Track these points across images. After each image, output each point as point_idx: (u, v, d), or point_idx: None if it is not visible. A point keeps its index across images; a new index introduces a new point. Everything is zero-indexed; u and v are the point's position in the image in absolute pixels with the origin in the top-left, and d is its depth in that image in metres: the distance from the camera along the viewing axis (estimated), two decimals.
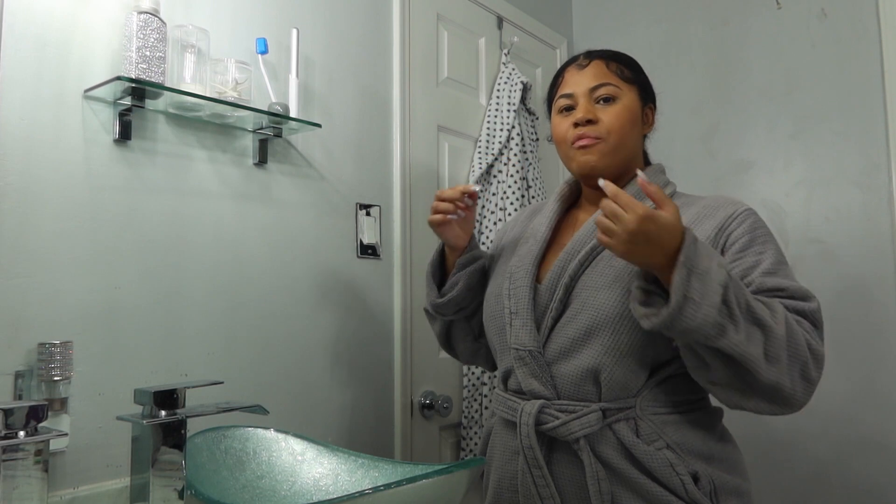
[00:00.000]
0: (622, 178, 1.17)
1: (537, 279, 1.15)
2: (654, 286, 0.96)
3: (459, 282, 1.25)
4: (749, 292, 0.96)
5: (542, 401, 1.08)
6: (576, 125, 1.14)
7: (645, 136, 1.24)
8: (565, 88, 1.19)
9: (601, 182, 0.96)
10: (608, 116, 1.13)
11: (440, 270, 1.32)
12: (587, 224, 1.14)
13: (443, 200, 1.21)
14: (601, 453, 1.05)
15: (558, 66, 2.35)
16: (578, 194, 1.27)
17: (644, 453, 1.03)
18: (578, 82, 1.17)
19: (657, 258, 0.92)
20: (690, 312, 0.88)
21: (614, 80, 1.16)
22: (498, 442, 1.18)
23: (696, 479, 1.03)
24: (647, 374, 1.07)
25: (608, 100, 1.15)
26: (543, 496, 1.06)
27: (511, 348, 1.13)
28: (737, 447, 1.14)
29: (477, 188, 1.22)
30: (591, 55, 1.19)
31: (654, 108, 1.23)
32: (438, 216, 1.21)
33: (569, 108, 1.17)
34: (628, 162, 1.17)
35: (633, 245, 0.91)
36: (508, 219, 1.38)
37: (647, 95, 1.20)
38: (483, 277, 1.29)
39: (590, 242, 1.11)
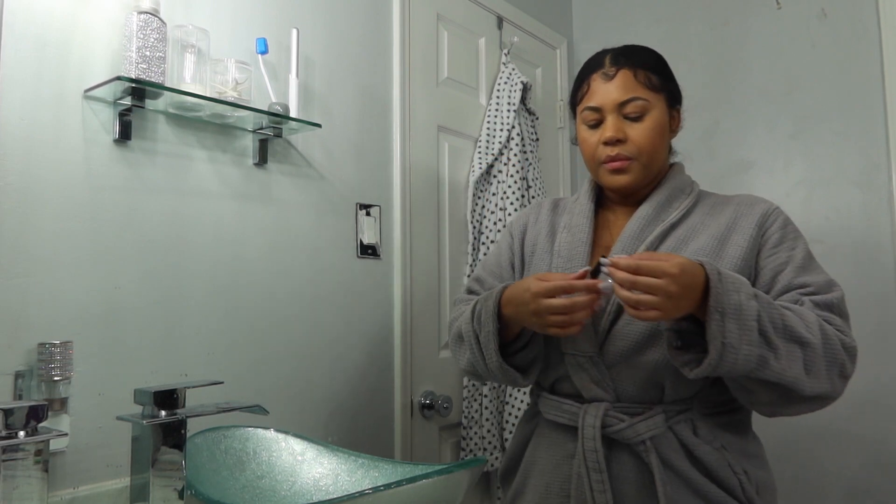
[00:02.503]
0: (650, 184, 1.17)
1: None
2: (686, 322, 0.97)
3: (534, 351, 1.12)
4: (781, 307, 0.97)
5: (605, 403, 1.07)
6: (605, 143, 1.12)
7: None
8: (592, 100, 1.13)
9: (605, 269, 0.94)
10: (638, 134, 1.11)
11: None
12: (631, 224, 1.13)
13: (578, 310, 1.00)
14: (664, 455, 1.04)
15: (558, 67, 2.41)
16: (601, 191, 1.24)
17: (706, 453, 1.03)
18: (606, 95, 1.12)
19: (692, 303, 0.92)
20: (731, 358, 0.90)
21: (643, 92, 1.11)
22: (544, 446, 1.15)
23: (748, 477, 1.04)
24: None
25: (637, 115, 1.11)
26: (598, 501, 1.03)
27: (566, 354, 1.10)
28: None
29: (601, 305, 1.02)
30: (617, 62, 1.13)
31: (680, 108, 1.19)
32: (577, 328, 1.01)
33: (597, 123, 1.14)
34: (658, 171, 1.17)
35: (678, 304, 0.91)
36: (520, 212, 1.29)
37: (673, 99, 1.17)
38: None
39: (641, 244, 1.10)
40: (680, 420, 1.05)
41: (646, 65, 1.13)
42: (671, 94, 1.16)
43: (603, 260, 0.95)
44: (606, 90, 1.12)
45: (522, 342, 1.11)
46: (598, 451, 1.04)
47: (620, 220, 1.18)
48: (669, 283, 0.89)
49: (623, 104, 1.11)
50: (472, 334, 1.11)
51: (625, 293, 0.92)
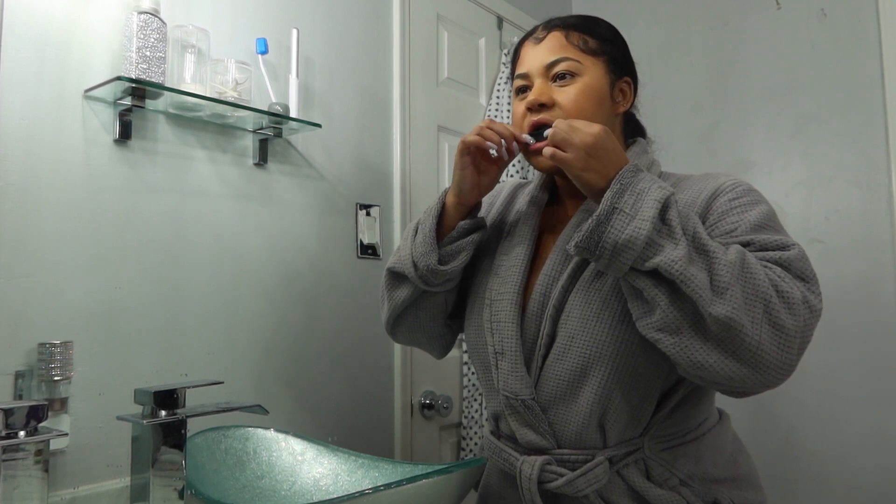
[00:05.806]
0: None
1: (523, 305, 1.00)
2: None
3: (464, 251, 1.02)
4: (701, 225, 0.86)
5: (542, 458, 0.96)
6: (529, 110, 1.00)
7: (627, 113, 1.08)
8: (521, 67, 1.03)
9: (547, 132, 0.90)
10: (565, 98, 0.98)
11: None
12: (561, 239, 1.01)
13: (493, 131, 0.98)
14: (613, 502, 0.95)
15: None
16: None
17: (657, 497, 0.94)
18: (533, 58, 1.01)
19: (607, 179, 0.85)
20: (619, 223, 0.80)
21: (574, 53, 0.99)
22: (494, 484, 1.08)
23: None
24: (653, 408, 0.96)
25: (564, 77, 0.99)
26: None
27: (500, 394, 1.00)
28: (747, 455, 1.08)
29: (529, 139, 0.99)
30: (549, 25, 1.03)
31: (631, 82, 1.06)
32: (477, 139, 0.97)
33: (524, 90, 1.03)
34: None
35: (591, 159, 0.85)
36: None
37: (619, 68, 1.03)
38: None
39: (570, 263, 0.97)
40: (629, 463, 0.95)
41: (583, 27, 1.02)
42: (615, 61, 1.03)
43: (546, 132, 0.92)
44: (534, 53, 1.02)
45: (456, 233, 1.02)
46: None
47: (566, 220, 1.06)
48: (593, 131, 0.85)
49: (550, 66, 0.99)
50: (412, 229, 1.06)
51: (555, 129, 0.88)
